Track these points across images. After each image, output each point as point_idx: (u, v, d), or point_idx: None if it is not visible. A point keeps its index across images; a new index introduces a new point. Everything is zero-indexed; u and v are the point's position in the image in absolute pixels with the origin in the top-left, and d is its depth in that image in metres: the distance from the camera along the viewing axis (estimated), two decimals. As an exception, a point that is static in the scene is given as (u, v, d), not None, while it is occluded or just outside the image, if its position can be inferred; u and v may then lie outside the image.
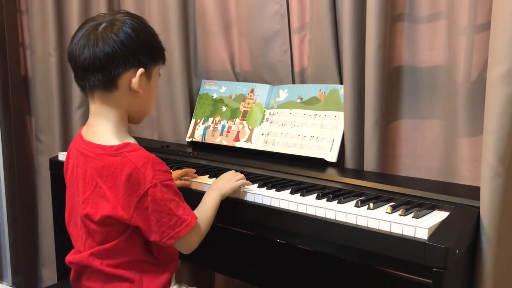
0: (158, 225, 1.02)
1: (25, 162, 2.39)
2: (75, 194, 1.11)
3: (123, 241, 1.06)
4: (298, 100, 1.52)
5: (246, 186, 1.22)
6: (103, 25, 1.04)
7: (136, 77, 1.05)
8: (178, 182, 1.30)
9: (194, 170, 1.36)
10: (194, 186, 1.30)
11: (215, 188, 1.18)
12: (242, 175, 1.23)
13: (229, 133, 1.64)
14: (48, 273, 2.36)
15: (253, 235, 1.60)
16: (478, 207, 1.04)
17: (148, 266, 1.10)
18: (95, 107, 1.07)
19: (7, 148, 2.30)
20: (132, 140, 1.07)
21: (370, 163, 1.33)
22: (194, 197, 1.19)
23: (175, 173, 1.31)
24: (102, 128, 1.07)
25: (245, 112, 1.63)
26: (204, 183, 1.28)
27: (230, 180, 1.20)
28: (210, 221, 1.13)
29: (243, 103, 1.64)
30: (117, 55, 1.02)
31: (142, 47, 1.06)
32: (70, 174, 1.13)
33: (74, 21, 2.01)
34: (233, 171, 1.25)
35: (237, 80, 1.73)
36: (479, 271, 1.05)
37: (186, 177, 1.33)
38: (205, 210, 1.13)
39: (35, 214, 2.39)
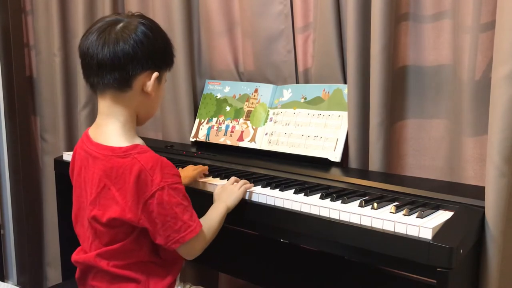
0: (163, 229, 1.02)
1: (30, 162, 2.40)
2: (82, 196, 1.11)
3: (130, 242, 1.06)
4: (302, 100, 1.52)
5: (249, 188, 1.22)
6: (121, 25, 1.04)
7: (151, 80, 1.05)
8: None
9: (206, 168, 1.37)
10: (198, 186, 1.30)
11: (220, 201, 1.17)
12: (243, 181, 1.22)
13: (233, 133, 1.64)
14: (53, 273, 2.37)
15: (257, 234, 1.61)
16: (483, 207, 1.04)
17: (154, 266, 1.10)
18: (106, 106, 1.07)
19: (12, 148, 2.31)
20: (140, 141, 1.07)
21: (374, 163, 1.33)
22: (198, 197, 1.20)
23: (189, 172, 1.32)
24: (111, 128, 1.07)
25: (249, 112, 1.63)
26: (209, 183, 1.28)
27: (233, 191, 1.19)
28: (215, 231, 1.12)
29: (247, 103, 1.65)
30: (137, 56, 1.02)
31: (159, 50, 1.07)
32: (77, 175, 1.13)
33: (78, 22, 2.02)
34: (233, 178, 1.24)
35: (241, 80, 1.73)
36: (484, 271, 1.05)
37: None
38: (211, 220, 1.12)
39: (40, 213, 2.40)
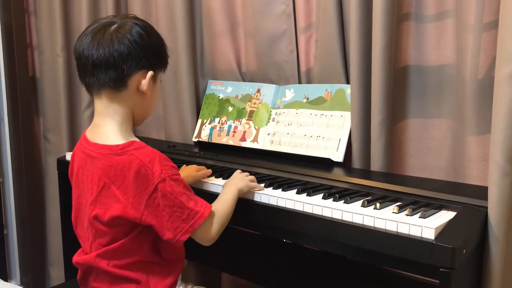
0: (171, 221, 1.02)
1: (33, 162, 2.40)
2: (81, 196, 1.12)
3: (130, 241, 1.06)
4: (304, 100, 1.52)
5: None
6: (115, 26, 1.05)
7: (146, 79, 1.07)
8: (193, 175, 1.30)
9: (210, 171, 1.36)
10: (200, 186, 1.30)
11: (230, 185, 1.17)
12: (252, 177, 1.23)
13: (235, 133, 1.64)
14: (56, 272, 2.38)
15: (260, 234, 1.60)
16: (486, 207, 1.03)
17: (155, 267, 1.10)
18: (102, 105, 1.08)
19: (15, 148, 2.31)
20: (136, 140, 1.08)
21: (377, 163, 1.33)
22: (201, 197, 1.19)
23: (192, 171, 1.32)
24: (108, 128, 1.07)
25: (251, 112, 1.63)
26: (211, 183, 1.28)
27: (242, 178, 1.20)
28: (229, 212, 1.12)
29: (249, 103, 1.65)
30: (132, 55, 1.04)
31: (153, 49, 1.08)
32: (76, 176, 1.14)
33: (82, 22, 2.02)
34: (238, 170, 1.26)
35: (244, 80, 1.73)
36: (487, 271, 1.04)
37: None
38: (223, 201, 1.12)
39: (43, 213, 2.41)
